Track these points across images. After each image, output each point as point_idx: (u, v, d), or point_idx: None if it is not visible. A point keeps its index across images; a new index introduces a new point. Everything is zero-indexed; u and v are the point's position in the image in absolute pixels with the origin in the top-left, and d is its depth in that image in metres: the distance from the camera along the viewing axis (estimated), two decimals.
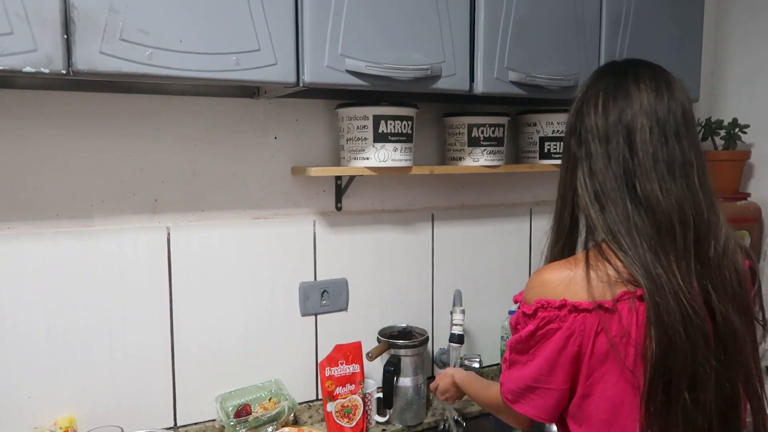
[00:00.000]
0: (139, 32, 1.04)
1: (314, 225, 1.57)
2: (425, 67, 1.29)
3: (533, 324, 0.92)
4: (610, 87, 0.96)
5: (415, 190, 1.71)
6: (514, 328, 0.98)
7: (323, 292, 1.59)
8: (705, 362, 0.86)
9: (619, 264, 0.89)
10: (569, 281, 0.91)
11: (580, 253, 0.96)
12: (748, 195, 2.04)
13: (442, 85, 1.34)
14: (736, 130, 2.00)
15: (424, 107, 1.65)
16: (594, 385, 0.92)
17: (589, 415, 0.94)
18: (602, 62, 1.54)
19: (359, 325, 1.64)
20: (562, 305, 0.90)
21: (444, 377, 1.38)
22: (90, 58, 1.01)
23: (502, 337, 1.80)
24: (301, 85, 1.20)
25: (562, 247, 1.01)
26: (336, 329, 1.61)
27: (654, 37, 1.61)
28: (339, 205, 1.60)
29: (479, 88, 1.38)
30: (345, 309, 1.63)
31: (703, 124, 2.04)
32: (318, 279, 1.58)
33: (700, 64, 1.73)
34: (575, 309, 0.90)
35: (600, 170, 0.93)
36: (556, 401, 0.95)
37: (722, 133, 2.02)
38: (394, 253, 1.68)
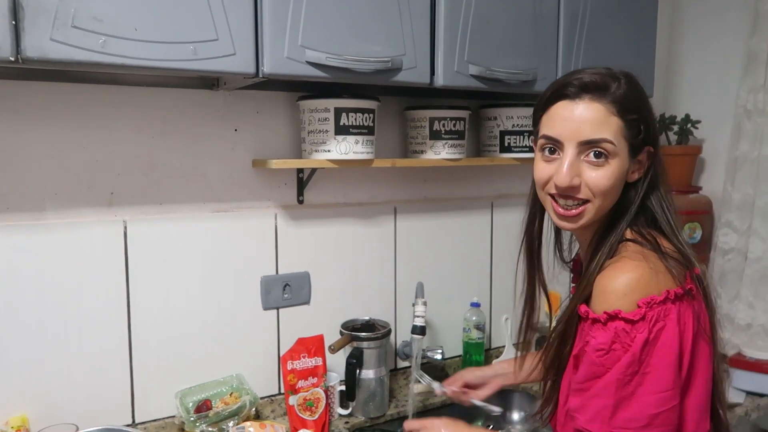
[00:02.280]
0: (91, 19, 1.01)
1: (276, 218, 1.56)
2: (386, 59, 1.30)
3: (644, 330, 0.85)
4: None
5: (378, 184, 1.72)
6: (608, 350, 0.87)
7: (285, 286, 1.58)
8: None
9: (668, 246, 0.94)
10: (655, 273, 0.88)
11: (630, 246, 0.94)
12: (700, 188, 2.11)
13: (403, 77, 1.34)
14: (689, 125, 2.06)
15: (386, 100, 1.65)
16: (695, 376, 0.91)
17: (686, 413, 0.91)
18: (560, 57, 1.58)
19: (322, 318, 1.63)
20: (666, 297, 0.87)
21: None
22: (40, 45, 0.98)
23: (464, 328, 1.82)
24: (260, 75, 1.19)
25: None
26: (298, 323, 1.60)
27: (610, 35, 1.65)
28: (301, 198, 1.59)
29: (440, 81, 1.39)
30: (307, 302, 1.62)
31: (657, 119, 2.10)
32: (280, 273, 1.57)
33: (654, 61, 1.78)
34: (677, 297, 0.88)
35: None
36: (678, 419, 0.88)
37: (675, 128, 2.08)
38: (356, 246, 1.68)
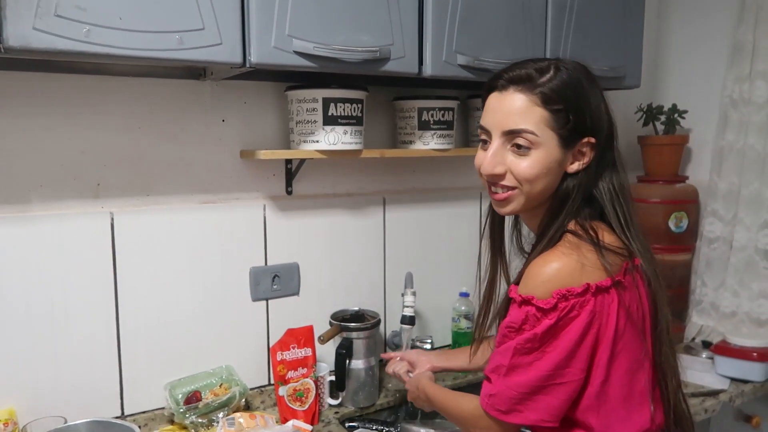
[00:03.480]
0: (75, 8, 1.00)
1: (264, 209, 1.55)
2: (374, 49, 1.29)
3: (552, 317, 0.90)
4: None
5: (367, 174, 1.71)
6: (517, 329, 0.94)
7: (274, 277, 1.58)
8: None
9: (610, 238, 0.97)
10: (583, 264, 0.92)
11: (569, 237, 0.97)
12: (686, 178, 2.12)
13: (391, 67, 1.34)
14: (676, 115, 2.07)
15: (375, 90, 1.65)
16: (614, 364, 0.94)
17: (608, 399, 0.95)
18: (548, 47, 1.58)
19: (311, 309, 1.63)
20: (585, 290, 0.90)
21: (414, 386, 1.34)
22: (23, 34, 0.96)
23: (453, 318, 1.82)
24: (247, 65, 1.18)
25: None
26: (288, 314, 1.60)
27: (598, 25, 1.65)
28: (290, 189, 1.59)
29: (428, 71, 1.39)
30: (297, 293, 1.62)
31: (644, 109, 2.11)
32: (269, 264, 1.57)
33: (642, 52, 1.78)
34: (599, 290, 0.91)
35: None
36: (568, 396, 0.93)
37: (662, 118, 2.09)
38: (345, 236, 1.68)
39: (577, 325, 0.91)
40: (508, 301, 1.00)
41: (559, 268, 0.92)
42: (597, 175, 1.01)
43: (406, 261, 1.78)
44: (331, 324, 1.60)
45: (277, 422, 1.45)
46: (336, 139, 1.43)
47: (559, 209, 1.00)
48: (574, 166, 1.00)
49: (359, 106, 1.46)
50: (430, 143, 1.60)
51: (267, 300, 1.58)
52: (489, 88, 1.03)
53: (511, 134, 0.98)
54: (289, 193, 1.59)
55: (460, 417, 1.10)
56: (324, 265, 1.66)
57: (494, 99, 1.01)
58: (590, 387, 0.95)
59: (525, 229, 1.15)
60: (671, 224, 2.03)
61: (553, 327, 0.91)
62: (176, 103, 1.43)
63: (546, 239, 0.99)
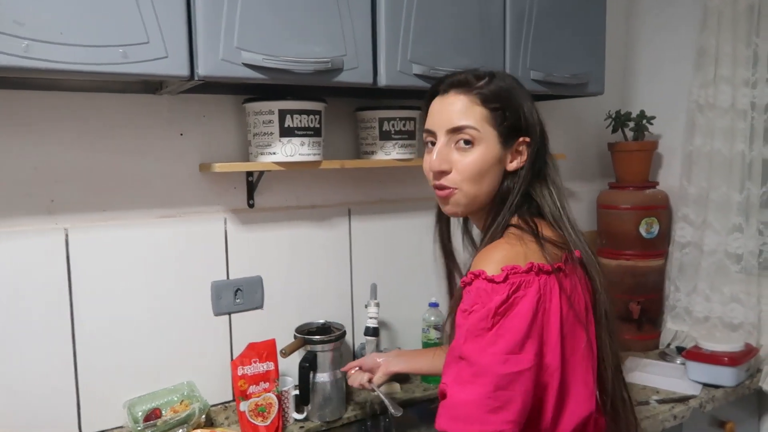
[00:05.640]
0: (13, 23, 0.99)
1: (225, 222, 1.54)
2: (326, 60, 1.29)
3: (504, 291, 0.90)
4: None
5: (331, 186, 1.71)
6: (470, 310, 0.92)
7: (237, 291, 1.56)
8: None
9: (550, 232, 1.02)
10: (524, 252, 0.96)
11: (511, 230, 1.01)
12: (657, 183, 2.12)
13: (345, 78, 1.34)
14: (644, 121, 2.08)
15: (337, 101, 1.65)
16: (564, 356, 0.95)
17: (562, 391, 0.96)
18: (507, 57, 1.58)
19: (276, 322, 1.62)
20: (530, 268, 0.93)
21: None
22: None
23: (423, 329, 1.81)
24: (196, 78, 1.18)
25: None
26: (252, 328, 1.59)
27: (558, 34, 1.66)
28: (251, 201, 1.58)
29: (383, 81, 1.39)
30: (261, 307, 1.61)
31: (613, 116, 2.12)
32: (231, 278, 1.56)
33: (604, 59, 1.79)
34: (541, 271, 0.94)
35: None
36: (530, 387, 0.90)
37: (631, 124, 2.10)
38: (310, 249, 1.67)
39: (527, 306, 0.91)
40: (460, 293, 1.00)
41: (506, 252, 0.96)
42: (534, 174, 1.07)
43: (374, 272, 1.76)
44: (295, 337, 1.58)
45: None
46: (293, 150, 1.42)
47: (501, 206, 1.06)
48: (513, 164, 1.07)
49: (317, 117, 1.46)
50: (392, 153, 1.60)
51: (230, 314, 1.56)
52: (431, 94, 1.12)
53: (455, 131, 1.05)
54: (250, 206, 1.58)
55: None
56: (289, 278, 1.64)
57: (437, 103, 1.09)
58: (550, 386, 0.95)
59: (476, 231, 1.18)
60: (642, 230, 2.03)
61: (505, 303, 0.90)
62: (132, 117, 1.42)
63: (490, 233, 1.04)
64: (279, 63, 1.23)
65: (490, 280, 0.92)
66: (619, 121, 2.10)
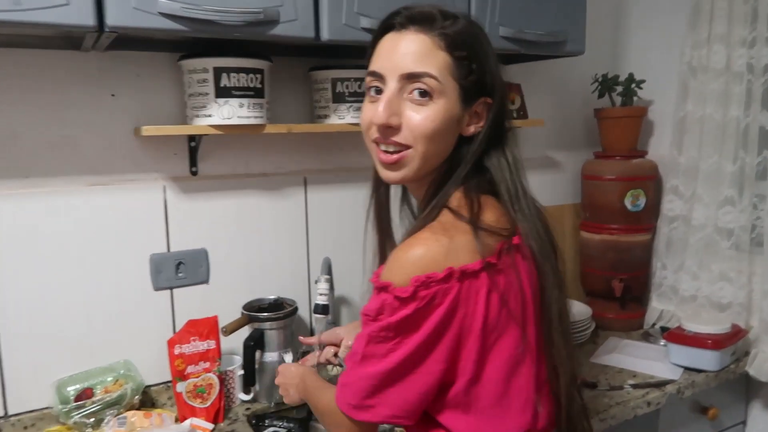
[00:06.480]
0: None
1: (165, 191, 1.43)
2: (256, 10, 1.16)
3: (410, 307, 0.80)
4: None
5: (285, 153, 1.59)
6: (374, 317, 0.83)
7: (179, 264, 1.46)
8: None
9: (494, 215, 0.87)
10: (449, 249, 0.81)
11: (444, 216, 0.86)
12: (646, 153, 1.98)
13: (281, 31, 1.20)
14: (633, 85, 1.93)
15: (292, 62, 1.52)
16: (487, 359, 0.84)
17: (479, 398, 0.85)
18: (473, 10, 1.43)
19: (223, 298, 1.52)
20: (448, 275, 0.79)
21: (291, 376, 1.15)
22: None
23: None
24: (105, 30, 1.05)
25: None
26: (196, 304, 1.49)
27: None
28: (194, 169, 1.46)
29: (326, 35, 1.25)
30: (206, 281, 1.51)
31: (599, 80, 1.96)
32: (172, 250, 1.45)
33: (585, 13, 1.63)
34: (464, 275, 0.80)
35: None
36: (425, 390, 0.83)
37: (619, 89, 1.95)
38: (262, 220, 1.56)
39: (438, 314, 0.80)
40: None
41: (422, 254, 0.81)
42: (491, 142, 0.92)
43: (331, 245, 1.65)
44: (242, 314, 1.48)
45: (176, 420, 1.35)
46: (231, 112, 1.30)
47: (447, 177, 0.90)
48: (471, 129, 0.91)
49: (258, 76, 1.33)
50: (346, 117, 1.47)
51: (171, 289, 1.46)
52: (383, 29, 0.90)
53: (410, 78, 0.85)
54: (193, 173, 1.47)
55: (319, 412, 1.00)
56: (237, 252, 1.54)
57: (390, 40, 0.88)
58: (456, 385, 0.84)
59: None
60: (627, 202, 1.89)
61: (411, 317, 0.80)
62: (57, 76, 1.30)
63: (425, 213, 0.88)
64: (200, 13, 1.10)
65: (397, 297, 0.80)
66: (606, 85, 1.95)
